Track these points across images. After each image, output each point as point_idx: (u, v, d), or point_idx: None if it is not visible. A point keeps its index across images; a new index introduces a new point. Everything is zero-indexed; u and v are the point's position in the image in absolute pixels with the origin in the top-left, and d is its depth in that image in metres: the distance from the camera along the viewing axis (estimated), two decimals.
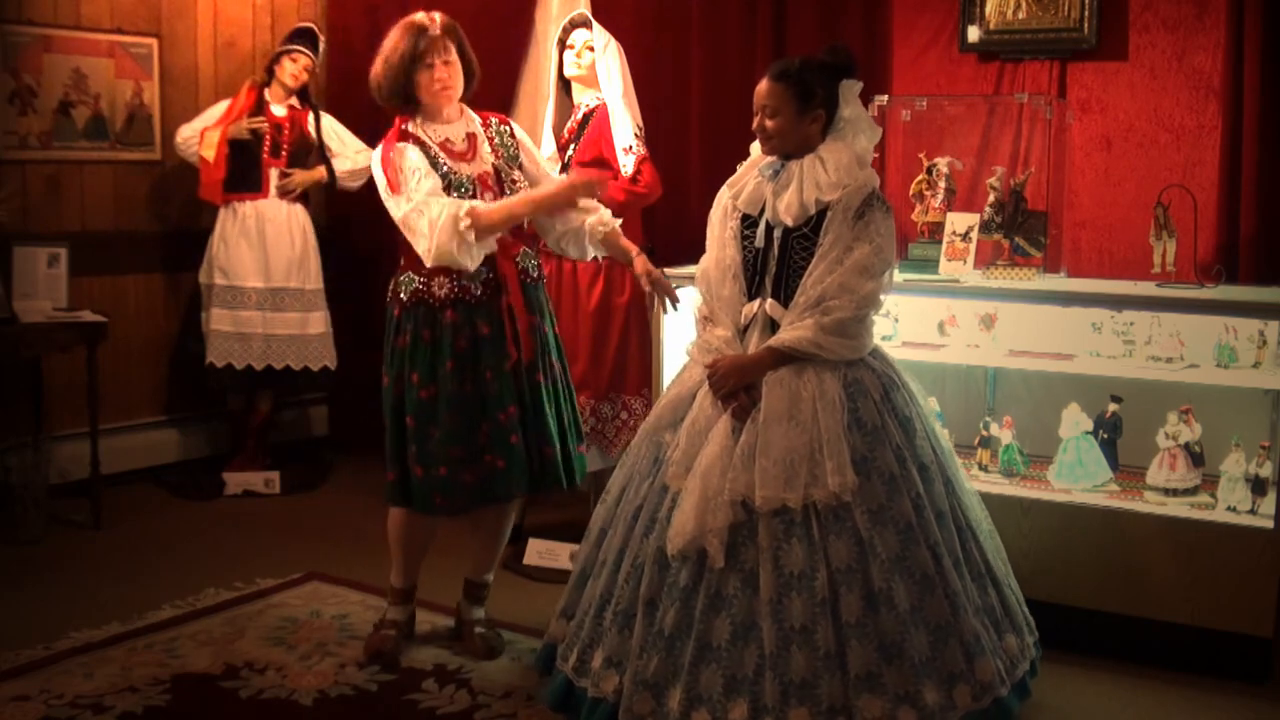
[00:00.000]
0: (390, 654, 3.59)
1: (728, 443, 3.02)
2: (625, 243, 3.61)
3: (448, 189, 3.37)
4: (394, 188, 3.37)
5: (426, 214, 3.28)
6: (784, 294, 3.12)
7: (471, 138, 3.52)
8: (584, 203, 3.57)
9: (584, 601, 3.20)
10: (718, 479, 2.98)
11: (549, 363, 3.56)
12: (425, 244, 3.29)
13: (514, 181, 3.51)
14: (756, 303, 3.15)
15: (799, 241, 3.11)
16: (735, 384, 3.06)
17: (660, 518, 3.06)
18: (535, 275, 3.58)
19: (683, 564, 2.97)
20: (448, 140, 3.47)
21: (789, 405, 3.00)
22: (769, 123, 3.15)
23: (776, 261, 3.13)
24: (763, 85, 3.16)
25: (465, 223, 3.26)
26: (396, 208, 3.37)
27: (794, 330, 3.04)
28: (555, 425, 3.53)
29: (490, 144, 3.54)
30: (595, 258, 4.31)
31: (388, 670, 3.54)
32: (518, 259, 3.50)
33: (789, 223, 3.11)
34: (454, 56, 3.44)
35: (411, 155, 3.37)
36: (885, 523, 2.95)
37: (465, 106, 3.58)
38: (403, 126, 3.46)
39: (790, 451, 2.95)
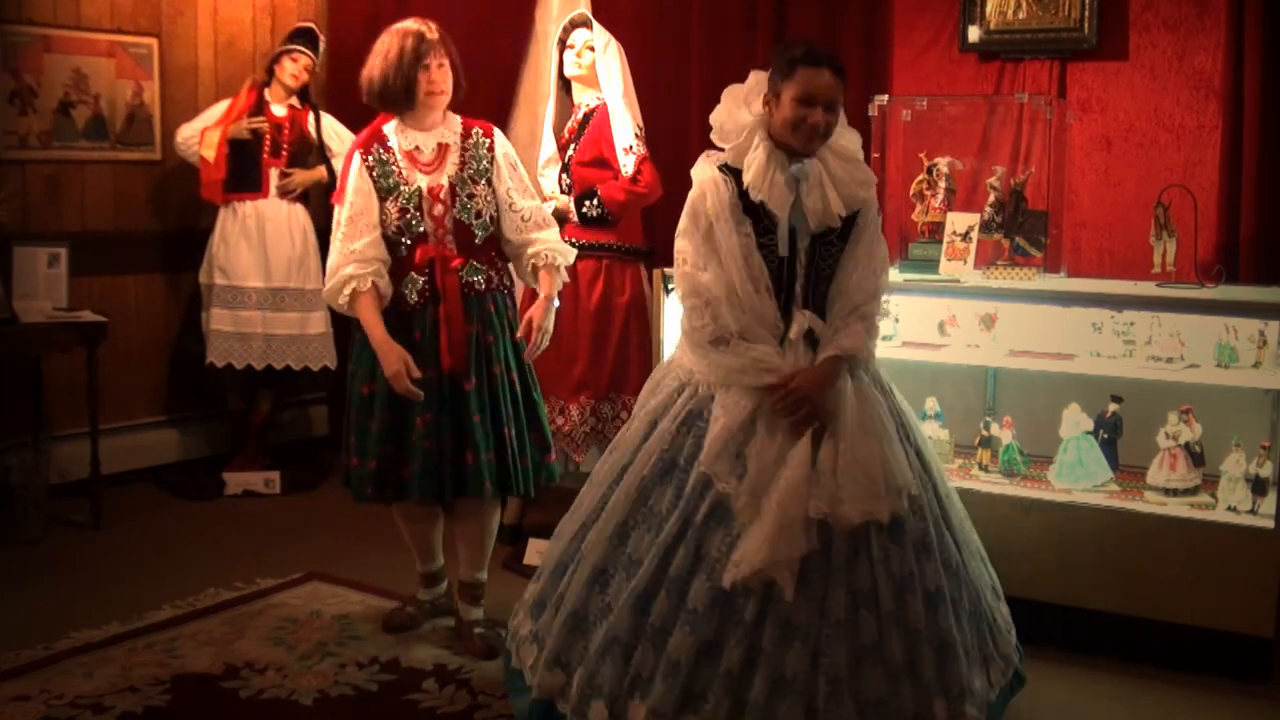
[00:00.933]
0: (398, 625, 3.82)
1: (808, 466, 2.82)
2: (545, 283, 3.61)
3: (395, 198, 3.50)
4: (337, 197, 3.61)
5: (335, 258, 3.52)
6: (813, 303, 2.98)
7: (442, 148, 3.58)
8: (538, 233, 3.62)
9: (593, 650, 2.89)
10: (797, 504, 2.79)
11: (490, 372, 3.56)
12: (324, 281, 3.57)
13: (470, 196, 3.54)
14: (795, 315, 2.96)
15: (826, 247, 2.98)
16: (817, 403, 2.86)
17: (712, 555, 2.82)
18: (484, 287, 3.59)
19: (747, 599, 2.78)
20: (417, 149, 3.57)
21: (861, 415, 2.89)
22: (831, 118, 2.94)
23: (805, 269, 2.97)
24: (826, 78, 2.92)
25: (345, 299, 3.49)
26: (335, 220, 3.58)
27: (849, 337, 2.92)
28: (484, 433, 3.53)
29: (462, 155, 3.58)
30: (599, 257, 4.39)
31: (394, 631, 3.79)
32: (461, 272, 3.54)
33: (834, 224, 2.96)
34: (447, 62, 3.56)
35: (353, 176, 3.54)
36: (922, 521, 2.96)
37: (451, 115, 3.64)
38: (380, 127, 3.61)
39: (872, 463, 2.84)
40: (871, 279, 3.00)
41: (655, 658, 2.82)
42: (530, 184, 3.75)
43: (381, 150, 3.55)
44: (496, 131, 3.69)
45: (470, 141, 3.60)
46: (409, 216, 3.51)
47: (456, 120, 3.64)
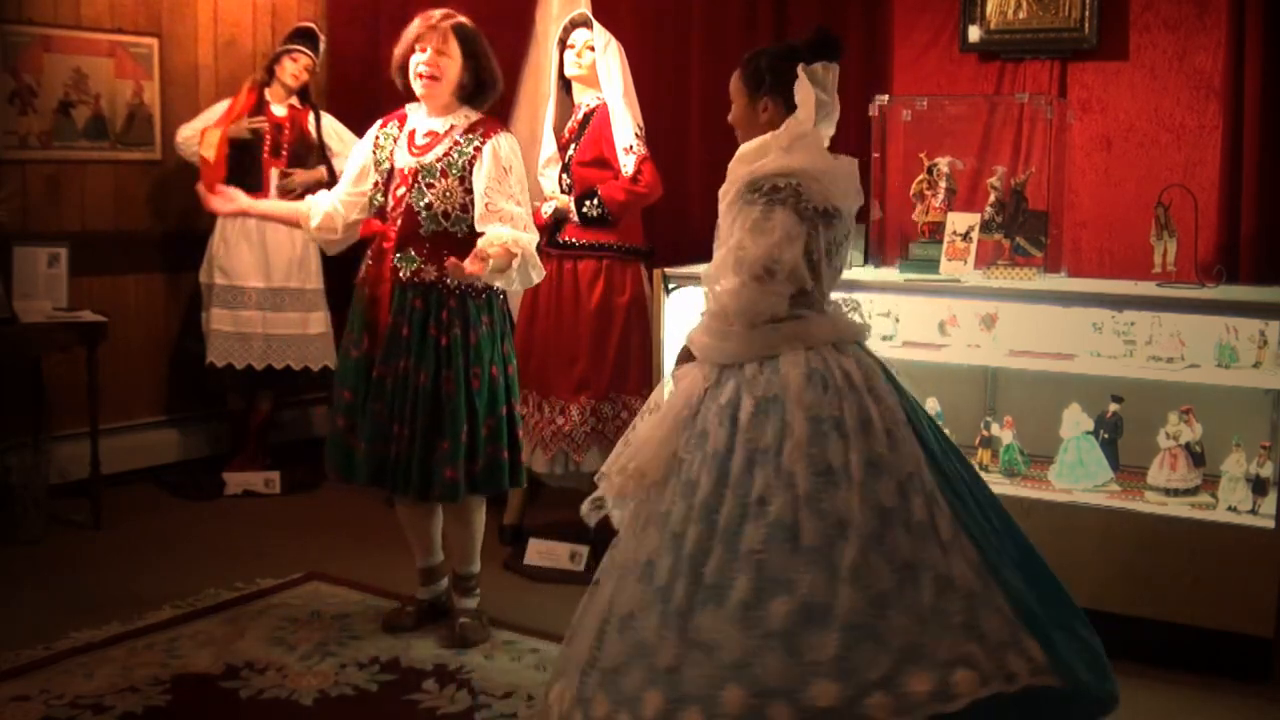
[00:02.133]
0: (398, 625, 3.81)
1: None
2: (465, 265, 3.40)
3: (379, 170, 3.64)
4: None
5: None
6: None
7: (436, 135, 3.61)
8: (501, 225, 3.46)
9: None
10: None
11: (399, 366, 3.52)
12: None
13: (429, 185, 3.53)
14: None
15: None
16: None
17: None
18: (412, 279, 3.51)
19: None
20: (415, 130, 3.65)
21: None
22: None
23: None
24: None
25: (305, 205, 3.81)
26: None
27: None
28: (379, 426, 3.53)
29: (450, 147, 3.57)
30: (600, 257, 4.43)
31: (394, 631, 3.78)
32: (395, 256, 3.57)
33: None
34: (450, 49, 3.54)
35: (360, 143, 3.79)
36: None
37: (468, 110, 3.62)
38: (406, 105, 3.71)
39: None
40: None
41: None
42: (525, 196, 3.59)
43: (395, 126, 3.67)
44: (503, 136, 3.58)
45: (465, 136, 3.58)
46: (378, 190, 3.63)
47: (472, 115, 3.62)
